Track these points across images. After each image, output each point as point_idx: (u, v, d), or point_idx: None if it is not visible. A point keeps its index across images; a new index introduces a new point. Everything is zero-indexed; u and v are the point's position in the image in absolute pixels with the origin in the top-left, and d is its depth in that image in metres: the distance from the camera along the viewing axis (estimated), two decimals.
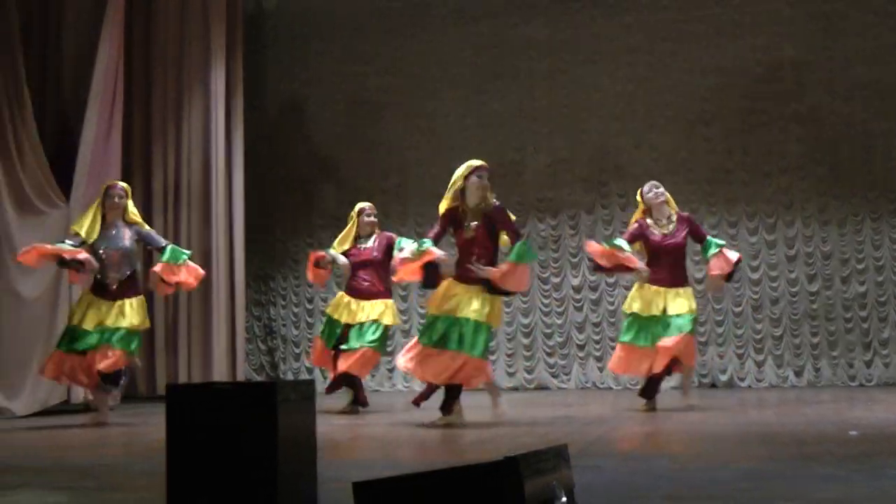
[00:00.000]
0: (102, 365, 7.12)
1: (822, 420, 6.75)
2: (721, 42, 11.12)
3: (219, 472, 3.33)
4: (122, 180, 9.40)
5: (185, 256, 7.48)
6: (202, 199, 10.27)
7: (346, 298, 8.15)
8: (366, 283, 8.12)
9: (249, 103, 11.55)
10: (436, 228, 6.85)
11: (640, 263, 7.67)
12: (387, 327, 8.03)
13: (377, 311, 7.98)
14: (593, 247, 7.78)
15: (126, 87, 9.65)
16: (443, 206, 6.86)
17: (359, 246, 8.29)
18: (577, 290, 11.13)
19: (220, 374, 10.15)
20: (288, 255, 11.84)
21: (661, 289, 7.64)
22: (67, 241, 7.32)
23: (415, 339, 6.91)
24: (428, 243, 6.69)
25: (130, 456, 5.61)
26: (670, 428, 6.38)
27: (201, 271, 7.69)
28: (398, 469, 4.65)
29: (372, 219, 8.31)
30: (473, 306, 6.52)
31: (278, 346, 11.77)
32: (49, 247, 7.24)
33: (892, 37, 10.77)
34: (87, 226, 7.28)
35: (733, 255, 7.81)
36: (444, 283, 6.69)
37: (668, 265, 7.69)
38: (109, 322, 7.19)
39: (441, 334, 6.54)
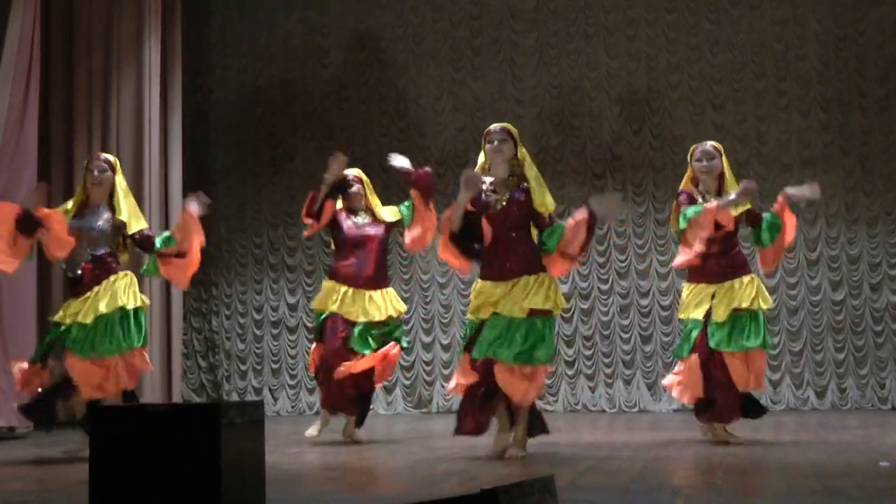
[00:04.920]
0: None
1: (849, 448, 6.80)
2: (735, 14, 11.20)
3: None
4: (40, 171, 9.37)
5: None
6: (133, 192, 10.17)
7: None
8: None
9: (189, 82, 11.52)
10: None
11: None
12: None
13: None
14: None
15: (43, 64, 9.56)
16: None
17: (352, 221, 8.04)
18: (566, 298, 11.14)
19: (152, 394, 10.09)
20: (233, 257, 11.81)
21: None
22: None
23: None
24: None
25: (46, 492, 5.57)
26: (673, 457, 6.41)
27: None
28: (362, 503, 4.64)
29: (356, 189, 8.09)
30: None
31: (221, 362, 11.72)
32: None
33: None
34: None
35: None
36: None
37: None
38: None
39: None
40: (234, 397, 11.58)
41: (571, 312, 11.13)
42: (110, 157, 7.58)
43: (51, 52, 10.09)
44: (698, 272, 7.30)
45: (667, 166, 11.15)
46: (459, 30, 11.65)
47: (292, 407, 11.49)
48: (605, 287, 11.10)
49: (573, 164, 11.30)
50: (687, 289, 7.38)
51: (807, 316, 10.78)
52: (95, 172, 7.29)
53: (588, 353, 11.09)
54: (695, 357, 7.16)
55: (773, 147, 11.03)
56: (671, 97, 11.23)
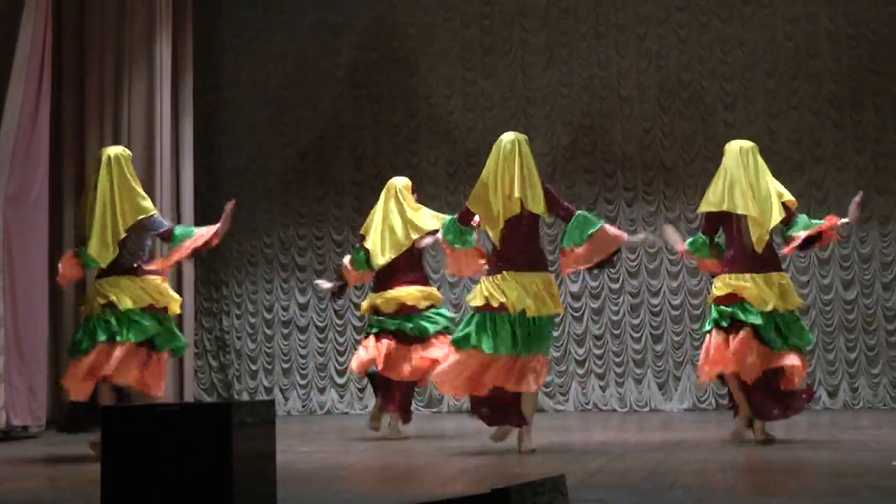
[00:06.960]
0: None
1: (861, 448, 6.79)
2: (746, 12, 11.17)
3: None
4: (52, 174, 9.39)
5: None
6: (145, 192, 10.22)
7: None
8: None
9: (201, 82, 11.53)
10: None
11: None
12: None
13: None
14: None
15: (55, 66, 9.58)
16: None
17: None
18: (577, 297, 11.16)
19: (164, 394, 10.12)
20: (244, 257, 11.82)
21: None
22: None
23: None
24: None
25: (58, 490, 5.60)
26: (684, 456, 6.41)
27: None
28: (374, 503, 4.66)
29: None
30: None
31: (232, 361, 11.75)
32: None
33: None
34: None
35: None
36: None
37: None
38: None
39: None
40: (245, 397, 11.59)
41: (582, 311, 11.12)
42: None
43: (62, 54, 10.10)
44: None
45: (678, 165, 11.14)
46: (470, 29, 11.65)
47: (303, 406, 11.50)
48: (615, 286, 11.09)
49: (584, 163, 11.29)
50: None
51: (818, 315, 10.76)
52: None
53: (599, 352, 11.08)
54: None
55: (784, 145, 11.01)
56: (682, 96, 11.21)
